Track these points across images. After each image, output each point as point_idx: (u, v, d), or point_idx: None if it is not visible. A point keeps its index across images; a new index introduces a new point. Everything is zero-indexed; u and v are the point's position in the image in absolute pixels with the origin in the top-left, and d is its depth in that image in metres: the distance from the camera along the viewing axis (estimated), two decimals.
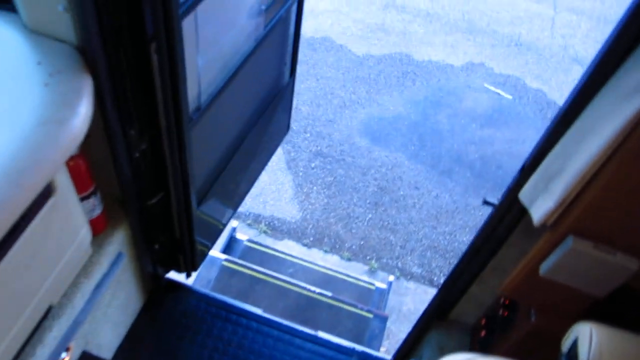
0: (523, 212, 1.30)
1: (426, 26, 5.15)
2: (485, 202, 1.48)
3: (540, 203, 1.19)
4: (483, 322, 1.78)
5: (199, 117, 1.40)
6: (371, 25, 5.00)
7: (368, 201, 3.53)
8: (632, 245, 1.16)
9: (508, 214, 1.38)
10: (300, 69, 4.38)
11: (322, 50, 4.58)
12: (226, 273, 2.50)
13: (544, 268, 1.26)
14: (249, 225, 3.24)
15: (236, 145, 1.91)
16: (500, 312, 1.64)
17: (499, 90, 4.61)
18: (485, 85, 4.63)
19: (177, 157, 1.37)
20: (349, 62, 4.53)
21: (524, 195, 1.25)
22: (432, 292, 3.23)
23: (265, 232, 3.23)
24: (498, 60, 4.93)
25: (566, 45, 5.29)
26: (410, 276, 3.30)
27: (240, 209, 3.29)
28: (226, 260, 2.55)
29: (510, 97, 4.59)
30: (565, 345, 1.19)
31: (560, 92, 4.66)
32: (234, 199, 2.22)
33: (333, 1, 5.17)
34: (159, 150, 1.37)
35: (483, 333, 1.74)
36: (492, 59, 4.92)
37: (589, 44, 5.22)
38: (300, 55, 4.68)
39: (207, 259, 2.51)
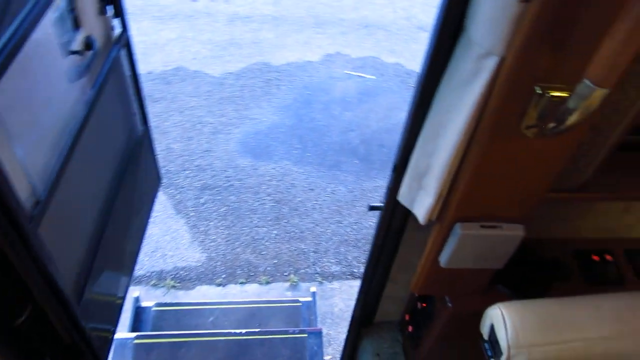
0: (409, 210, 1.31)
1: (275, 30, 5.16)
2: (372, 208, 1.47)
3: (420, 201, 1.20)
4: (407, 317, 1.79)
5: (42, 210, 1.23)
6: (221, 42, 4.90)
7: (269, 218, 3.46)
8: (513, 214, 1.20)
9: (394, 215, 1.38)
10: (159, 107, 4.18)
11: (178, 81, 4.39)
12: (142, 351, 2.28)
13: (443, 259, 1.28)
14: (155, 285, 3.01)
15: (105, 216, 1.73)
16: (419, 305, 1.66)
17: (361, 74, 4.75)
18: (347, 72, 4.74)
19: (30, 263, 1.18)
20: (208, 85, 4.40)
21: (402, 197, 1.25)
22: (356, 284, 3.24)
23: (174, 286, 3.02)
24: (352, 46, 5.07)
25: (409, 16, 5.59)
26: (332, 277, 3.28)
27: (140, 272, 3.05)
28: (138, 337, 2.33)
29: (373, 77, 4.75)
30: (484, 332, 1.22)
31: (414, 61, 4.92)
32: (124, 268, 2.03)
33: (175, 29, 4.98)
34: (8, 262, 1.18)
35: (410, 328, 1.76)
36: (346, 46, 5.05)
37: (429, 10, 5.57)
38: (157, 93, 4.47)
39: (115, 344, 2.28)
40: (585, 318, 1.19)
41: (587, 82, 0.82)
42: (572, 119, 0.89)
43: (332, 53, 4.93)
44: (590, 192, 1.30)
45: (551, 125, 0.94)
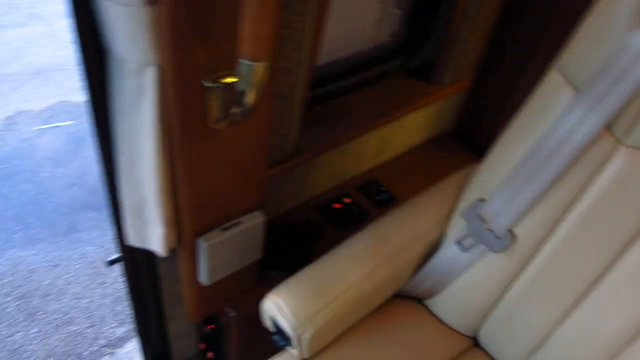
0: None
1: None
2: (111, 262, 1.38)
3: (151, 236, 1.13)
4: (203, 346, 1.74)
5: None
6: None
7: (20, 320, 2.97)
8: (246, 205, 1.22)
9: (136, 259, 1.32)
10: None
11: None
12: None
13: (202, 278, 1.25)
14: None
15: None
16: (206, 329, 1.62)
17: (55, 124, 4.33)
18: (38, 127, 4.26)
19: None
20: None
21: (132, 239, 1.18)
22: None
23: None
24: (31, 99, 4.55)
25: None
26: (121, 340, 3.04)
27: None
28: None
29: (71, 122, 4.38)
30: (269, 326, 1.22)
31: None
32: None
33: None
34: None
35: (210, 354, 1.72)
36: (24, 101, 4.51)
37: None
38: None
39: None
40: (346, 265, 1.25)
41: (244, 61, 0.81)
42: (251, 98, 0.89)
43: (12, 114, 4.35)
44: (302, 155, 1.38)
45: (236, 110, 0.93)
